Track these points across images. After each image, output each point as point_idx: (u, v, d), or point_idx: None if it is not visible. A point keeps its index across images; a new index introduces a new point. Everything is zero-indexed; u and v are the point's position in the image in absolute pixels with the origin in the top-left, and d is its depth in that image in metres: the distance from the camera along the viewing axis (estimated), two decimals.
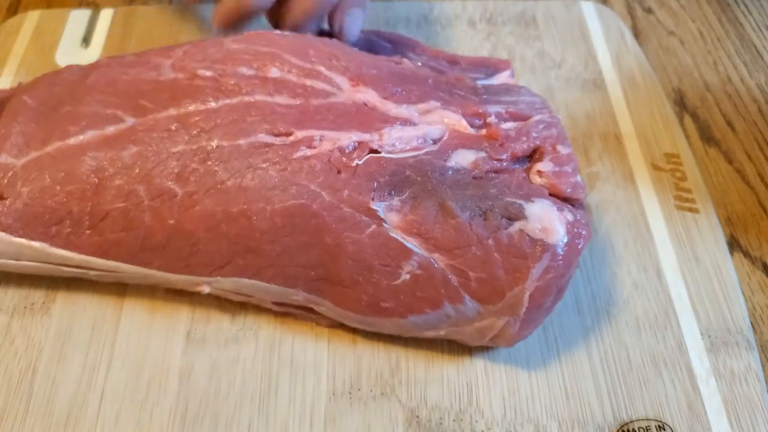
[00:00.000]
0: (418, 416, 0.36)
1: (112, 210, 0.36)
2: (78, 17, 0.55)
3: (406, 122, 0.38)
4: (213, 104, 0.38)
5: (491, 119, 0.38)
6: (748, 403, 0.37)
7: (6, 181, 0.36)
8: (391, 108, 0.38)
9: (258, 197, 0.35)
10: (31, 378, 0.37)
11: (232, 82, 0.39)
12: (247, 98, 0.38)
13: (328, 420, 0.36)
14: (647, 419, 0.36)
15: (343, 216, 0.35)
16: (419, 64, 0.44)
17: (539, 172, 0.36)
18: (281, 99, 0.38)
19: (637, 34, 0.57)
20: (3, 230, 0.36)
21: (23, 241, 0.36)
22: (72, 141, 0.37)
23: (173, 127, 0.37)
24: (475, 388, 0.37)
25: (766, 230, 0.45)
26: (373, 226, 0.34)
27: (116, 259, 0.36)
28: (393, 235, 0.34)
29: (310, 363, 0.37)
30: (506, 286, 0.34)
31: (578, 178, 0.36)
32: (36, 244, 0.36)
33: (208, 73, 0.39)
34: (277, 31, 0.43)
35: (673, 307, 0.40)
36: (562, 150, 0.37)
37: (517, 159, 0.37)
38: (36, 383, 0.36)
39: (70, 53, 0.52)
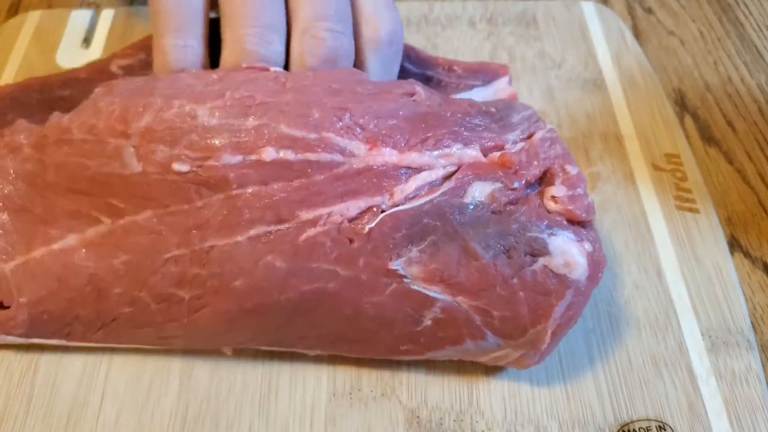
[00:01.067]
0: (418, 417, 0.36)
1: (120, 314, 0.34)
2: (79, 18, 0.55)
3: (420, 169, 0.34)
4: (198, 203, 0.33)
5: (510, 150, 0.35)
6: (748, 403, 0.37)
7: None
8: (413, 159, 0.34)
9: (271, 290, 0.33)
10: (32, 378, 0.37)
11: (217, 176, 0.33)
12: (237, 191, 0.33)
13: (328, 421, 0.36)
14: (648, 419, 0.36)
15: (362, 284, 0.33)
16: (425, 74, 0.43)
17: (554, 198, 0.34)
18: (279, 185, 0.33)
19: (637, 34, 0.57)
20: (18, 336, 0.36)
21: (41, 340, 0.36)
22: (56, 246, 0.35)
23: (158, 230, 0.33)
24: (476, 388, 0.37)
25: (767, 230, 0.45)
26: (394, 285, 0.33)
27: (137, 343, 0.36)
28: (415, 287, 0.33)
29: (311, 364, 0.37)
30: (529, 323, 0.33)
31: (589, 198, 0.35)
32: (53, 340, 0.36)
33: (184, 168, 0.33)
34: (269, 78, 0.36)
35: (673, 308, 0.40)
36: (571, 170, 0.35)
37: (529, 184, 0.35)
38: (37, 383, 0.36)
39: (70, 54, 0.52)
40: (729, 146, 0.49)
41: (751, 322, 0.40)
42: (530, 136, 0.36)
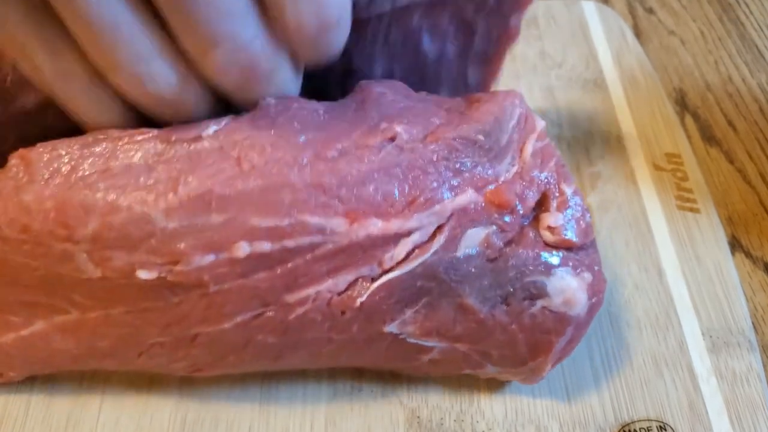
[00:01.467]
0: (419, 417, 0.36)
1: (120, 375, 0.36)
2: None
3: (413, 232, 0.31)
4: (173, 299, 0.30)
5: (501, 179, 0.33)
6: (749, 403, 0.37)
7: None
8: (400, 225, 0.31)
9: (265, 361, 0.33)
10: (30, 381, 0.37)
11: (190, 278, 0.29)
12: (215, 288, 0.30)
13: (328, 421, 0.36)
14: (648, 419, 0.36)
15: (358, 344, 0.32)
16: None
17: (549, 228, 0.33)
18: (260, 275, 0.30)
19: (638, 33, 0.57)
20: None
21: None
22: (25, 333, 0.32)
23: (135, 324, 0.31)
24: (476, 388, 0.37)
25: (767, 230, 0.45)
26: (390, 340, 0.32)
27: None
28: (411, 341, 0.32)
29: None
30: (530, 357, 0.33)
31: (587, 217, 0.34)
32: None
33: (151, 275, 0.29)
34: (218, 155, 0.29)
35: (674, 307, 0.40)
36: (567, 189, 0.33)
37: (526, 216, 0.33)
38: (35, 386, 0.36)
39: None
40: (730, 146, 0.49)
41: (752, 322, 0.40)
42: (522, 150, 0.34)
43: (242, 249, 0.29)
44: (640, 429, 0.35)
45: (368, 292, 0.31)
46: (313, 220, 0.30)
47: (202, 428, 0.35)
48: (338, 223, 0.30)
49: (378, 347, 0.33)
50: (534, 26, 0.55)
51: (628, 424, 0.36)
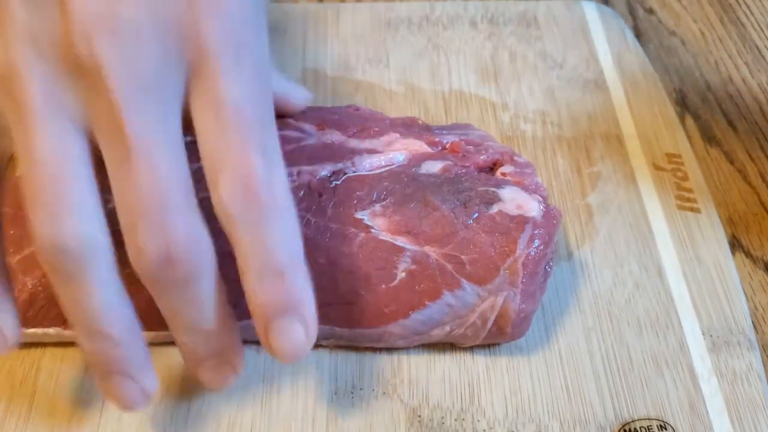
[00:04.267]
0: (419, 416, 0.36)
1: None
2: None
3: (373, 152, 0.40)
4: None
5: (451, 141, 0.41)
6: (750, 402, 0.37)
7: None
8: (356, 144, 0.40)
9: None
10: (34, 378, 0.37)
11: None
12: None
13: (330, 419, 0.36)
14: (649, 419, 0.36)
15: (332, 233, 0.37)
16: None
17: (503, 173, 0.40)
18: None
19: (638, 34, 0.57)
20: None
21: (37, 330, 0.36)
22: None
23: None
24: (477, 387, 0.37)
25: None
26: (362, 235, 0.37)
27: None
28: (383, 238, 0.36)
29: (312, 362, 0.37)
30: (499, 260, 0.36)
31: (540, 181, 0.40)
32: (51, 330, 0.36)
33: None
34: None
35: (674, 307, 0.40)
36: (519, 159, 0.41)
37: (480, 170, 0.40)
38: (39, 383, 0.37)
39: None
40: (730, 146, 0.49)
41: (752, 322, 0.40)
42: (466, 135, 0.42)
43: None
44: (640, 428, 0.36)
45: (341, 179, 0.39)
46: (294, 122, 0.41)
47: (204, 425, 0.35)
48: (309, 127, 0.41)
49: (352, 244, 0.36)
50: (534, 26, 0.55)
51: (628, 423, 0.36)
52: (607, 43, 0.54)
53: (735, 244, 0.44)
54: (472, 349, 0.38)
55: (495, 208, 0.37)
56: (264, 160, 0.29)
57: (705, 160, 0.48)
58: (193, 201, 0.29)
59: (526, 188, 0.38)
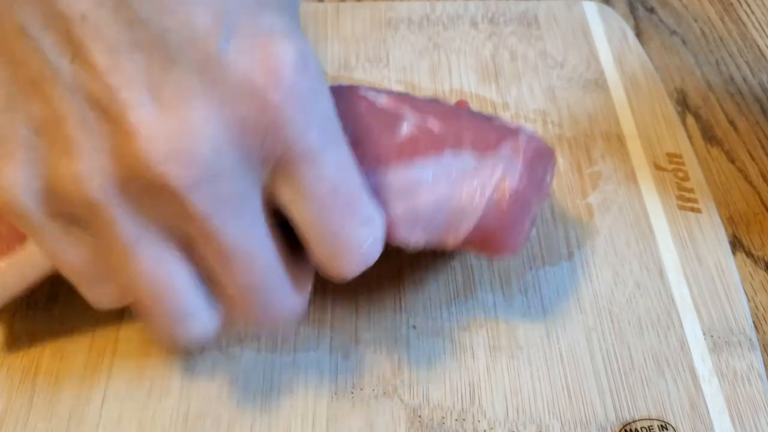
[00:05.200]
0: (420, 416, 0.36)
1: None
2: None
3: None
4: None
5: None
6: (750, 402, 0.37)
7: None
8: None
9: None
10: (33, 377, 0.37)
11: None
12: None
13: (330, 420, 0.36)
14: (650, 419, 0.36)
15: (341, 95, 0.35)
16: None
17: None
18: None
19: (639, 33, 0.57)
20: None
21: None
22: None
23: None
24: (478, 387, 0.37)
25: None
26: (365, 103, 0.36)
27: None
28: (387, 108, 0.36)
29: (312, 363, 0.37)
30: (500, 138, 0.36)
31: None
32: None
33: None
34: None
35: (675, 307, 0.40)
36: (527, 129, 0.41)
37: None
38: (38, 382, 0.37)
39: None
40: (731, 146, 0.49)
41: (753, 322, 0.40)
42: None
43: None
44: (641, 428, 0.35)
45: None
46: None
47: (204, 425, 0.35)
48: None
49: (355, 109, 0.35)
50: (535, 26, 0.55)
51: (629, 423, 0.36)
52: (607, 42, 0.54)
53: (736, 244, 0.44)
54: (472, 349, 0.38)
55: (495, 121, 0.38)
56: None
57: (706, 159, 0.48)
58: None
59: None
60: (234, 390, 0.36)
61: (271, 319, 0.31)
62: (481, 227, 0.35)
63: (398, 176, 0.35)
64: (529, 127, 0.40)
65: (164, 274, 0.29)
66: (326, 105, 0.29)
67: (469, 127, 0.37)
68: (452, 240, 0.35)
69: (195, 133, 0.25)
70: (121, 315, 0.39)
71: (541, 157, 0.37)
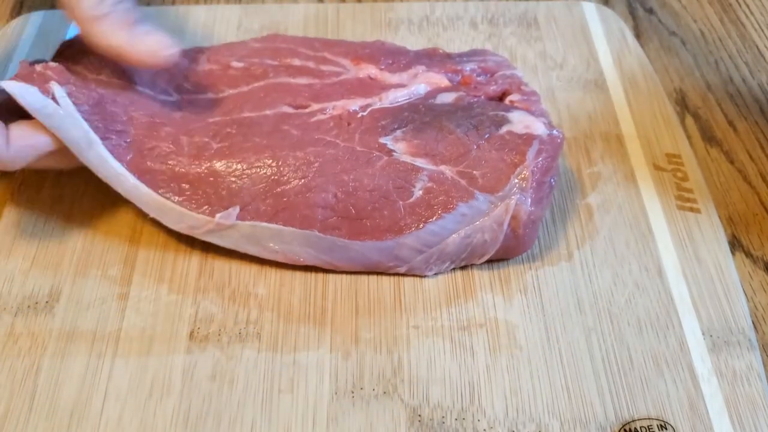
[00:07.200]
0: (420, 415, 0.36)
1: (158, 146, 0.41)
2: None
3: (400, 86, 0.45)
4: (244, 88, 0.45)
5: (466, 73, 0.46)
6: (750, 402, 0.37)
7: None
8: (387, 77, 0.45)
9: (282, 148, 0.41)
10: (34, 377, 0.37)
11: (260, 70, 0.45)
12: (272, 80, 0.45)
13: (330, 419, 0.36)
14: (649, 418, 0.36)
15: (357, 155, 0.40)
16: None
17: (511, 101, 0.44)
18: (301, 80, 0.45)
19: (638, 34, 0.57)
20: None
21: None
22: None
23: (211, 103, 0.44)
24: (477, 387, 0.37)
25: None
26: (385, 158, 0.40)
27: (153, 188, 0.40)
28: (403, 159, 0.40)
29: (313, 362, 0.38)
30: (509, 170, 0.40)
31: (543, 106, 0.44)
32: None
33: (240, 64, 0.46)
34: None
35: (674, 307, 0.40)
36: (526, 88, 0.45)
37: (490, 99, 0.45)
38: (39, 382, 0.37)
39: None
40: (730, 146, 0.49)
41: (752, 322, 0.40)
42: (494, 71, 0.46)
43: (294, 61, 0.46)
44: (640, 428, 0.36)
45: (368, 111, 0.43)
46: (332, 57, 0.47)
47: (205, 424, 0.35)
48: (346, 62, 0.46)
49: (375, 165, 0.40)
50: (535, 27, 0.55)
51: (628, 423, 0.36)
52: (607, 43, 0.54)
53: (735, 244, 0.44)
54: (472, 348, 0.38)
55: (504, 129, 0.41)
56: None
57: (705, 160, 0.49)
58: None
59: (532, 113, 0.42)
60: (234, 389, 0.37)
61: None
62: (500, 249, 0.40)
63: (419, 237, 0.39)
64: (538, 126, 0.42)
65: None
66: None
67: (480, 164, 0.40)
68: (475, 263, 0.41)
69: None
70: (123, 314, 0.39)
71: (548, 172, 0.40)
